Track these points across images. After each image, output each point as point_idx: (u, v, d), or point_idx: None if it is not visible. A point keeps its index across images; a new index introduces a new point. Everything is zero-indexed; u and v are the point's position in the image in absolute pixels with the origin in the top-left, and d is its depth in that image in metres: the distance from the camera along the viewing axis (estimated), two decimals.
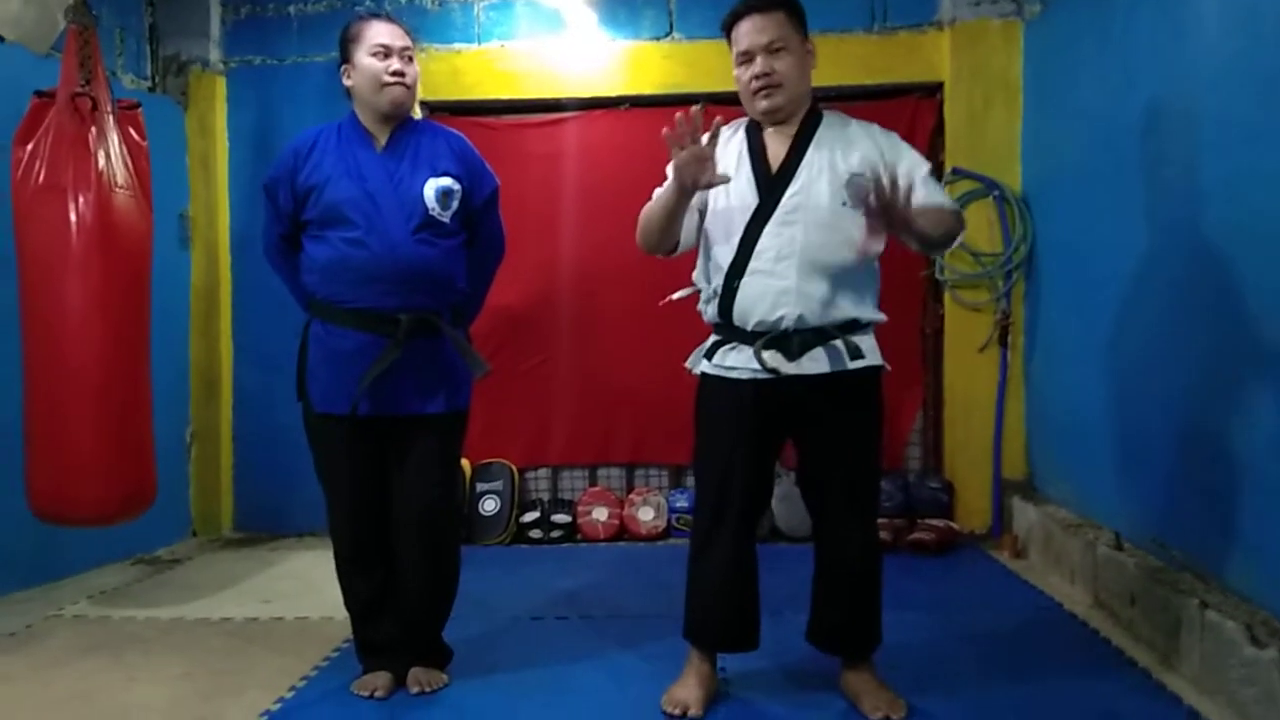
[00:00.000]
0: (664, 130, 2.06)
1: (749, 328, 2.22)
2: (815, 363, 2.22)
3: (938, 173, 4.12)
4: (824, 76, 3.91)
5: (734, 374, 2.26)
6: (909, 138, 4.08)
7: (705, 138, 2.06)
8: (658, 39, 4.22)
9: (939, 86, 4.11)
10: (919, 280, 4.19)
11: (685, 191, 2.13)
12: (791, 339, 2.20)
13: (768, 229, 2.20)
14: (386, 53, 2.40)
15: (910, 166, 2.23)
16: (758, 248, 2.21)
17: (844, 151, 2.25)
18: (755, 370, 2.21)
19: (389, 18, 2.49)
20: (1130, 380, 3.01)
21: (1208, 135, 2.55)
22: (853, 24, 4.12)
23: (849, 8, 4.11)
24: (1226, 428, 2.44)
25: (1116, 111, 3.08)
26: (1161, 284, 2.80)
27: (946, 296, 4.11)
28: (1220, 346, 2.47)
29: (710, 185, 2.12)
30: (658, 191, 2.29)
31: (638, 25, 4.23)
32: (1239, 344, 2.39)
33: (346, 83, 2.46)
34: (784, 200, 2.21)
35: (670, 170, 2.13)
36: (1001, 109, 4.01)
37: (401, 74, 2.40)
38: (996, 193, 3.99)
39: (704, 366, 2.34)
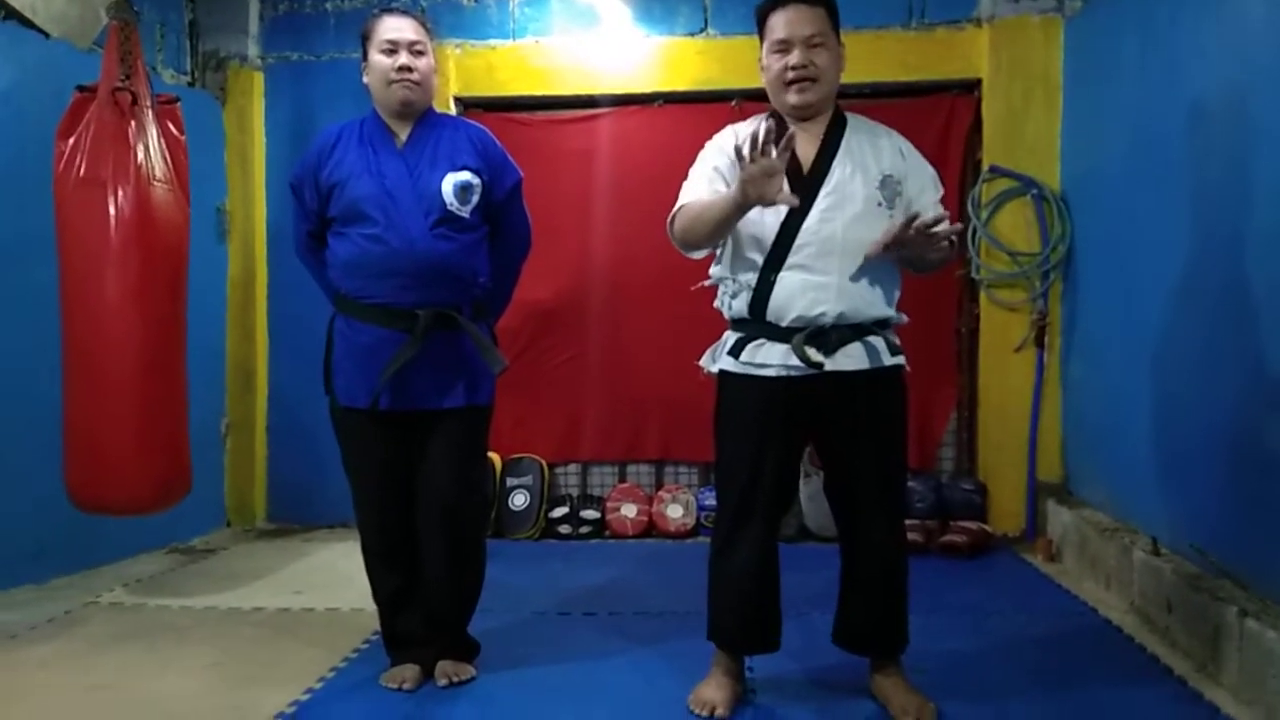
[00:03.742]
0: (736, 147, 2.03)
1: (784, 323, 2.19)
2: (851, 359, 2.19)
3: (974, 170, 4.09)
4: (861, 73, 3.94)
5: (764, 371, 2.22)
6: (945, 135, 4.12)
7: (774, 152, 2.01)
8: (692, 35, 4.20)
9: (977, 83, 4.06)
10: (954, 279, 4.14)
11: (746, 205, 2.08)
12: (829, 334, 2.17)
13: (806, 224, 2.17)
14: (393, 48, 2.41)
15: (924, 189, 2.26)
16: (796, 242, 2.17)
17: (874, 155, 2.24)
18: (789, 367, 2.18)
19: (403, 11, 2.48)
20: (1170, 383, 2.95)
21: (1254, 134, 2.49)
22: (890, 20, 4.07)
23: (886, 4, 4.07)
24: (1269, 433, 2.38)
25: (1160, 110, 3.02)
26: (1204, 286, 2.74)
27: (982, 296, 4.06)
28: (1262, 350, 2.42)
29: (774, 203, 2.06)
30: (699, 195, 2.23)
31: (672, 21, 4.21)
32: None
33: (365, 80, 2.47)
34: (820, 197, 2.19)
35: (736, 184, 2.06)
36: (1041, 107, 3.95)
37: (408, 69, 2.40)
38: (1035, 191, 3.93)
39: (727, 365, 2.29)
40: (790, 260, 2.18)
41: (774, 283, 2.19)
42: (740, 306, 2.25)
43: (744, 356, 2.25)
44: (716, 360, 2.34)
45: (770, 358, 2.21)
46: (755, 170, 2.01)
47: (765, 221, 2.20)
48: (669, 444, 4.30)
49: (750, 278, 2.22)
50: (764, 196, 2.04)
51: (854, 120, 2.30)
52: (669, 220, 2.30)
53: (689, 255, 2.31)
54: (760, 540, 2.27)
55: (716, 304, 2.36)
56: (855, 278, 2.17)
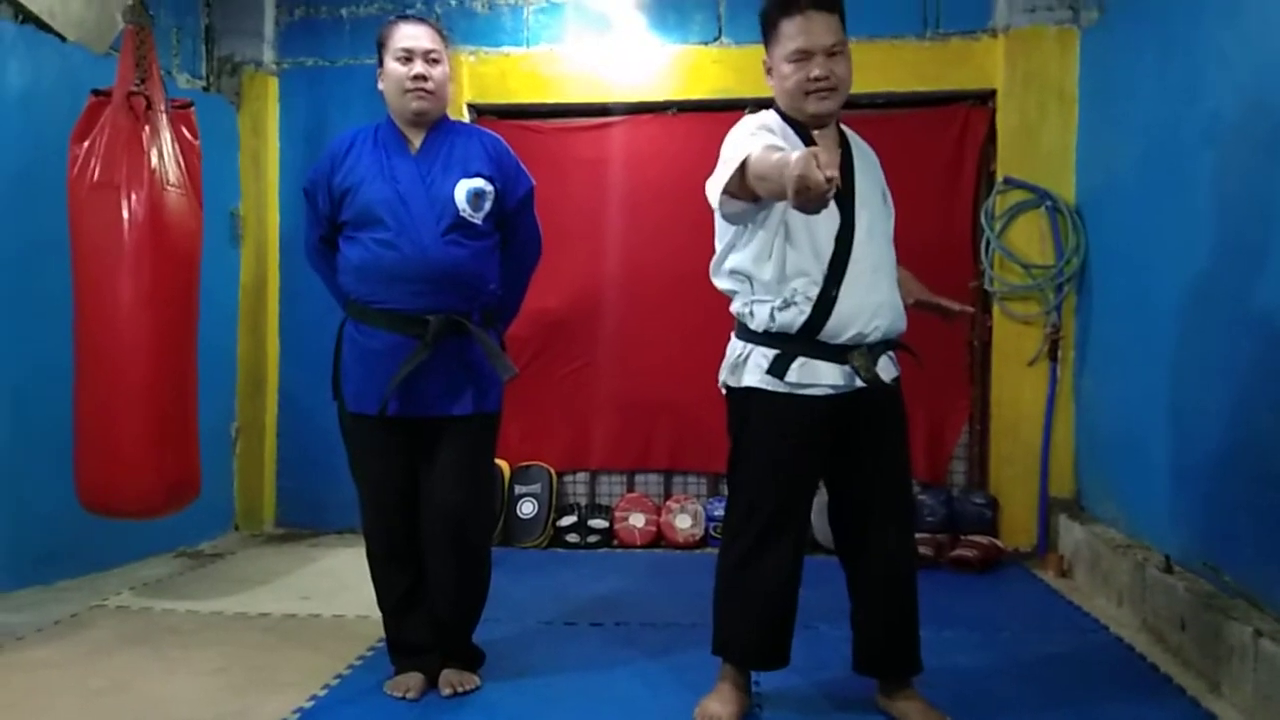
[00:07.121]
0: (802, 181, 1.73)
1: (837, 341, 2.14)
2: (885, 371, 2.21)
3: (989, 182, 4.07)
4: (875, 82, 3.93)
5: (813, 391, 2.15)
6: (960, 146, 4.11)
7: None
8: (706, 44, 4.20)
9: (992, 94, 4.04)
10: (967, 291, 4.10)
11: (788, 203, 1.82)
12: (876, 349, 2.18)
13: (856, 238, 2.16)
14: (409, 57, 2.40)
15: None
16: (853, 258, 2.15)
17: (869, 162, 2.30)
18: (836, 386, 2.15)
19: (418, 19, 2.49)
20: (1185, 398, 2.92)
21: (1273, 146, 2.46)
22: (905, 30, 4.06)
23: (901, 13, 4.05)
24: None
25: (1177, 122, 2.99)
26: (1220, 299, 2.71)
27: (995, 308, 4.03)
28: (1277, 365, 2.39)
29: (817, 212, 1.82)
30: (764, 157, 1.95)
31: (686, 29, 4.21)
32: None
33: (380, 86, 2.47)
34: (858, 211, 2.19)
35: (790, 186, 1.74)
36: (1056, 118, 3.93)
37: (423, 78, 2.40)
38: (1049, 203, 3.90)
39: (765, 384, 2.17)
40: (850, 277, 2.15)
41: (835, 299, 2.13)
42: (787, 321, 2.14)
43: (790, 376, 2.15)
44: (743, 377, 2.21)
45: (821, 377, 2.15)
46: (816, 205, 1.76)
47: (819, 235, 2.14)
48: (678, 454, 4.28)
49: (809, 292, 2.13)
50: (806, 209, 1.79)
51: (845, 129, 2.32)
52: (709, 185, 2.11)
53: (724, 213, 2.15)
54: (788, 559, 2.25)
55: (736, 309, 2.24)
56: (895, 292, 2.24)
